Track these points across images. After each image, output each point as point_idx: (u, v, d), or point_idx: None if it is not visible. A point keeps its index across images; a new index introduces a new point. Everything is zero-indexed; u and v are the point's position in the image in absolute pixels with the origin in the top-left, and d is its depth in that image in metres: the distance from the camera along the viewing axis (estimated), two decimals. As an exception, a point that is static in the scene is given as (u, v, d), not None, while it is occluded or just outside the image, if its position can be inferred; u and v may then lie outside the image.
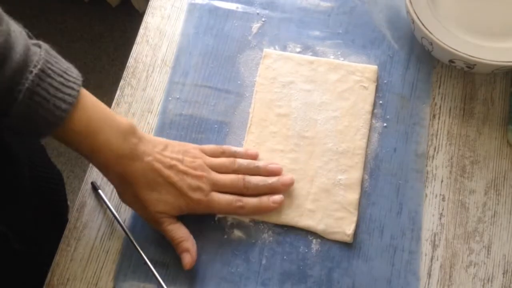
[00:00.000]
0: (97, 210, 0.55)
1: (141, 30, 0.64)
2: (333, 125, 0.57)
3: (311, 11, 0.64)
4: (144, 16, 0.65)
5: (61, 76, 0.44)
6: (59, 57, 0.45)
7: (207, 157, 0.53)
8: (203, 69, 0.61)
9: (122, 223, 0.53)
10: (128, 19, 1.62)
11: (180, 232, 0.50)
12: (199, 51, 0.62)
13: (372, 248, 0.53)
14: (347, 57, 0.61)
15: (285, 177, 0.54)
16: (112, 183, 0.51)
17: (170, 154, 0.51)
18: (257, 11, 0.64)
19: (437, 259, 0.53)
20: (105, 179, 0.56)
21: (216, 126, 0.58)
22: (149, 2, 0.66)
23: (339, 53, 0.61)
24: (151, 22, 0.64)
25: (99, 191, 0.55)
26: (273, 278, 0.52)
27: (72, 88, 0.44)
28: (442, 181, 0.56)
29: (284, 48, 0.62)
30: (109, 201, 0.54)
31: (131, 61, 0.62)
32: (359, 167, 0.56)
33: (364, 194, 0.55)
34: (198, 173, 0.51)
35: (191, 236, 0.51)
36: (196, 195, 0.50)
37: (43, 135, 0.44)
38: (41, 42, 0.45)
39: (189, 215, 0.53)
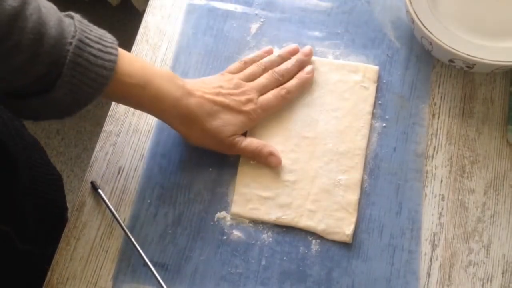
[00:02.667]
0: (96, 210, 0.55)
1: (141, 30, 0.64)
2: (333, 125, 0.57)
3: (310, 11, 0.64)
4: (144, 16, 0.65)
5: (99, 43, 0.45)
6: (91, 24, 0.46)
7: (237, 75, 0.57)
8: (202, 69, 0.61)
9: (121, 222, 0.53)
10: (128, 18, 1.61)
11: (255, 143, 0.55)
12: (199, 51, 0.62)
13: (372, 247, 0.53)
14: (346, 57, 0.61)
15: (303, 49, 0.60)
16: (178, 129, 0.53)
17: (210, 85, 0.55)
18: (256, 12, 0.64)
19: (437, 259, 0.53)
20: (104, 178, 0.56)
21: (215, 126, 0.58)
22: (149, 2, 0.66)
23: (338, 53, 0.61)
24: (151, 21, 0.64)
25: (99, 190, 0.55)
26: (273, 278, 0.52)
27: (111, 53, 0.45)
28: (441, 181, 0.56)
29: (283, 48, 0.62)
30: (108, 200, 0.55)
31: (131, 60, 0.62)
32: (359, 167, 0.56)
33: (364, 194, 0.55)
34: (240, 89, 0.55)
35: (266, 143, 0.56)
36: (250, 106, 0.55)
37: (89, 101, 0.45)
38: (72, 13, 0.45)
39: (188, 216, 0.53)
